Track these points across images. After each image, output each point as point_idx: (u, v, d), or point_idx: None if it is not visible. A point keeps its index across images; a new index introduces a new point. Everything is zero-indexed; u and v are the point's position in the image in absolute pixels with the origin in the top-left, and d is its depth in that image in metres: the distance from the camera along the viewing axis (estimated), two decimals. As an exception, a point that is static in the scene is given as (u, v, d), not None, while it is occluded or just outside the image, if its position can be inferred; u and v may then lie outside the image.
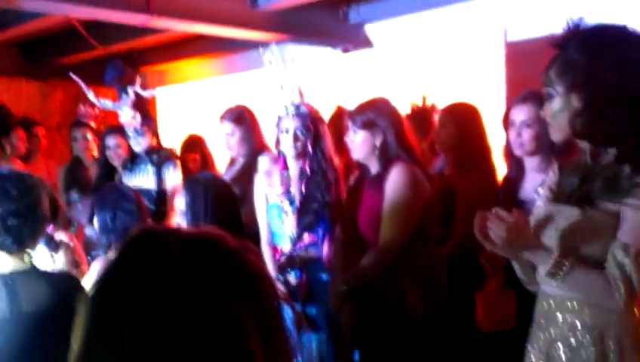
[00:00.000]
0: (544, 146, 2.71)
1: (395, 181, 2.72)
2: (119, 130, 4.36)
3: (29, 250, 2.16)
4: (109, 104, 4.10)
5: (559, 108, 1.78)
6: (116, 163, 4.37)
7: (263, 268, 0.92)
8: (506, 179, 2.96)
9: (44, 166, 5.25)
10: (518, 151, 2.80)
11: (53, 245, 2.56)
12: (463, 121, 3.24)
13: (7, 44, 5.39)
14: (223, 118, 3.82)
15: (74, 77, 3.99)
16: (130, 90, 4.00)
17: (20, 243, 2.07)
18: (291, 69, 3.17)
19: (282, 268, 3.11)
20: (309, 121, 3.10)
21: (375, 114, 2.80)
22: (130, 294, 0.84)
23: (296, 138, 3.08)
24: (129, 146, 4.32)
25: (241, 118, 3.76)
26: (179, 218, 2.62)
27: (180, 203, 2.62)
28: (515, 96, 4.06)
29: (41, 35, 5.40)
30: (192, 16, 4.35)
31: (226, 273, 0.87)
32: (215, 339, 0.83)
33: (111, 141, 4.35)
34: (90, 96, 4.03)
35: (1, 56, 5.72)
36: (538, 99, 2.69)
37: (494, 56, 4.33)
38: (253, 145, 3.73)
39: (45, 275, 2.16)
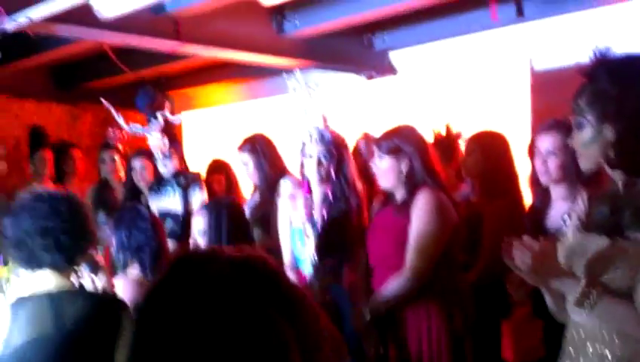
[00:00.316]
0: (570, 174, 2.70)
1: (421, 207, 2.72)
2: (145, 153, 4.43)
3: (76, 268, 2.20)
4: (139, 128, 4.18)
5: (590, 138, 1.78)
6: (142, 185, 4.43)
7: (302, 289, 0.94)
8: (533, 207, 2.95)
9: (79, 188, 5.32)
10: (544, 180, 2.79)
11: (94, 266, 2.60)
12: (491, 148, 3.25)
13: (38, 68, 5.51)
14: (239, 148, 3.89)
15: (104, 102, 4.07)
16: (159, 115, 4.08)
17: (69, 262, 2.10)
18: (315, 94, 3.21)
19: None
20: (333, 146, 3.13)
21: (401, 140, 2.81)
22: (177, 315, 0.86)
23: (319, 163, 3.11)
24: (155, 168, 4.39)
25: (254, 147, 3.81)
26: (197, 238, 2.65)
27: (198, 223, 2.65)
28: (539, 126, 4.10)
29: (71, 59, 5.52)
30: (220, 42, 4.43)
31: (268, 292, 0.89)
32: (259, 356, 0.84)
33: (137, 163, 4.42)
34: (120, 121, 4.11)
35: (33, 80, 5.84)
36: (564, 128, 2.69)
37: (519, 85, 4.33)
38: (269, 172, 3.78)
39: (91, 296, 2.20)
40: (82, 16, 3.38)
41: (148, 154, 4.44)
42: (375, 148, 2.88)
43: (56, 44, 4.55)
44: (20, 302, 2.06)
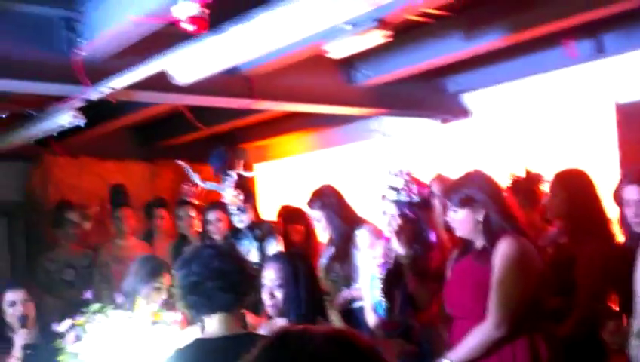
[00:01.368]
0: None
1: (504, 255, 2.63)
2: (219, 205, 4.52)
3: None
4: (214, 185, 4.27)
5: None
6: (217, 237, 4.50)
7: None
8: (629, 250, 2.79)
9: (163, 245, 5.44)
10: (638, 229, 2.66)
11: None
12: (575, 187, 3.16)
13: (118, 129, 5.73)
14: (308, 204, 3.91)
15: (181, 163, 4.18)
16: (233, 173, 4.16)
17: (240, 302, 2.25)
18: (398, 145, 3.21)
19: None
20: (407, 208, 3.12)
21: (471, 189, 2.75)
22: None
23: (389, 223, 3.13)
24: (229, 220, 4.46)
25: (324, 202, 3.83)
26: (274, 290, 2.64)
27: (269, 275, 2.66)
28: (628, 161, 3.91)
29: (149, 120, 5.72)
30: (292, 96, 4.50)
31: None
32: None
33: (211, 216, 4.51)
34: (196, 179, 4.21)
35: (114, 141, 6.09)
36: None
37: (604, 121, 4.17)
38: (342, 225, 3.77)
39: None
40: (159, 81, 3.50)
41: (222, 207, 4.52)
42: (447, 202, 2.82)
43: (136, 107, 4.74)
44: (198, 342, 2.14)
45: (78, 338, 3.14)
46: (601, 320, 2.93)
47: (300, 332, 0.94)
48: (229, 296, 2.17)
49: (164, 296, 3.26)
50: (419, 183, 3.22)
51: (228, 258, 2.23)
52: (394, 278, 3.15)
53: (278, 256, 2.84)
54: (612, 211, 3.06)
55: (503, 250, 2.63)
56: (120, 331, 3.20)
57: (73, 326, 3.14)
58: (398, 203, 3.13)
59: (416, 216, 3.14)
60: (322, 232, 3.93)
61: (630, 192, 2.70)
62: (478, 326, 2.64)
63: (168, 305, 3.24)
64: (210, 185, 4.28)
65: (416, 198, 3.17)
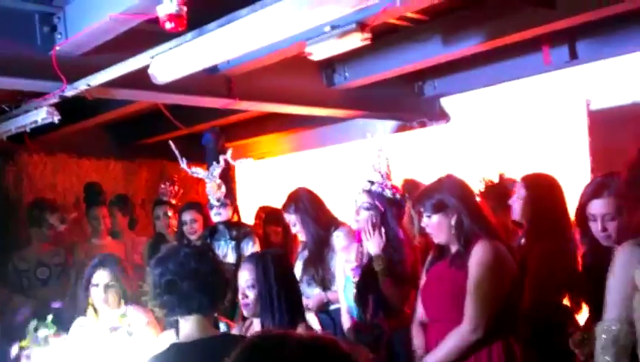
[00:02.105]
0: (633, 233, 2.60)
1: (478, 259, 2.66)
2: (195, 206, 4.51)
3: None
4: (201, 172, 4.25)
5: None
6: (193, 237, 4.48)
7: None
8: (591, 256, 2.83)
9: (132, 242, 5.43)
10: (606, 243, 2.69)
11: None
12: (539, 190, 3.17)
13: (96, 127, 5.69)
14: (283, 208, 3.93)
15: (171, 144, 4.16)
16: (221, 159, 4.15)
17: (214, 306, 2.23)
18: (379, 144, 3.23)
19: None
20: (377, 200, 3.13)
21: (442, 195, 2.78)
22: None
23: (357, 212, 3.16)
24: (204, 221, 4.45)
25: (298, 206, 3.83)
26: (247, 291, 2.65)
27: (244, 276, 2.67)
28: (599, 167, 3.98)
29: (127, 118, 5.69)
30: (271, 97, 4.50)
31: None
32: None
33: (187, 216, 4.49)
34: (183, 164, 4.19)
35: (92, 139, 6.04)
36: (616, 188, 2.60)
37: (576, 127, 4.24)
38: (316, 228, 3.78)
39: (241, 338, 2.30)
40: (138, 79, 3.48)
41: (197, 207, 4.51)
42: (420, 209, 2.85)
43: (113, 105, 4.70)
44: (174, 347, 2.12)
45: (28, 357, 3.16)
46: (554, 321, 2.97)
47: (278, 338, 0.94)
48: (205, 298, 2.15)
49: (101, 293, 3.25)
50: (394, 186, 3.25)
51: (205, 259, 2.21)
52: (367, 281, 3.16)
53: (251, 257, 2.84)
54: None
55: (477, 254, 2.66)
56: (77, 342, 3.21)
57: (21, 348, 3.16)
58: (370, 193, 3.16)
59: (384, 210, 3.16)
60: (297, 233, 3.94)
61: (596, 207, 2.66)
62: (454, 330, 2.67)
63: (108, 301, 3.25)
64: (196, 171, 4.26)
65: (389, 193, 3.20)
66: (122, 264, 3.35)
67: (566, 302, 3.11)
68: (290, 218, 3.86)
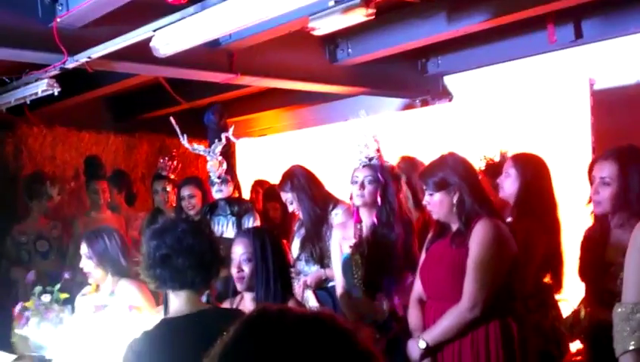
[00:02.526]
0: (628, 205, 2.60)
1: (480, 237, 2.66)
2: (194, 181, 4.49)
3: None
4: (201, 148, 4.23)
5: None
6: (191, 212, 4.48)
7: (372, 347, 0.93)
8: (589, 237, 2.84)
9: (129, 215, 5.45)
10: (596, 210, 2.70)
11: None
12: (527, 170, 3.16)
13: (96, 100, 5.66)
14: (278, 187, 3.90)
15: (172, 121, 4.13)
16: (222, 136, 4.13)
17: (207, 282, 2.23)
18: (370, 122, 3.20)
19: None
20: (379, 172, 3.13)
21: (445, 172, 2.76)
22: None
23: (362, 187, 3.12)
24: (203, 197, 4.45)
25: (294, 184, 3.79)
26: (242, 265, 2.66)
27: (238, 250, 2.67)
28: (601, 146, 3.97)
29: (128, 91, 5.65)
30: (273, 73, 4.46)
31: (341, 352, 0.89)
32: None
33: (185, 192, 4.47)
34: (184, 141, 4.17)
35: (91, 112, 6.01)
36: (621, 156, 2.60)
37: (579, 106, 4.21)
38: (312, 206, 3.76)
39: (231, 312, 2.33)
40: (139, 52, 3.45)
41: (196, 182, 4.50)
42: (422, 185, 2.84)
43: (114, 78, 4.67)
44: (165, 323, 2.11)
45: (27, 319, 3.16)
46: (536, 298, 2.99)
47: (277, 313, 0.94)
48: (199, 275, 2.14)
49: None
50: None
51: (202, 235, 2.19)
52: (372, 259, 3.15)
53: (246, 231, 2.83)
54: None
55: (478, 232, 2.66)
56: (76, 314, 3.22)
57: (25, 308, 3.16)
58: (371, 167, 3.13)
59: (385, 182, 3.14)
60: (295, 211, 3.93)
61: (597, 169, 2.66)
62: (452, 308, 2.67)
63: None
64: (197, 149, 4.24)
65: (388, 164, 3.19)
66: (116, 237, 3.33)
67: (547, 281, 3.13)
68: (287, 196, 3.84)
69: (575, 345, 2.83)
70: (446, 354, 2.72)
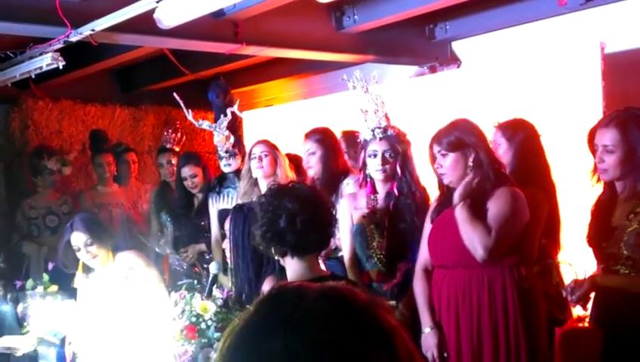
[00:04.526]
0: (634, 170, 2.58)
1: (502, 197, 2.67)
2: (192, 160, 4.49)
3: None
4: (207, 124, 4.22)
5: None
6: (195, 191, 4.50)
7: (393, 320, 0.93)
8: (599, 203, 2.82)
9: (136, 189, 5.44)
10: (603, 177, 2.69)
11: None
12: (517, 137, 3.13)
13: (102, 73, 5.61)
14: (307, 136, 3.86)
15: (176, 97, 4.11)
16: (228, 111, 4.11)
17: (322, 247, 2.30)
18: (377, 91, 3.15)
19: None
20: (397, 143, 3.09)
21: (461, 132, 2.74)
22: (272, 350, 0.86)
23: (384, 161, 3.08)
24: (204, 173, 4.45)
25: (324, 138, 3.79)
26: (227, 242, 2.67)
27: (226, 226, 2.67)
28: (612, 110, 3.92)
29: (132, 63, 5.60)
30: (280, 42, 4.41)
31: (361, 327, 0.88)
32: None
33: (186, 172, 4.49)
34: (189, 116, 4.15)
35: (96, 85, 5.96)
36: (624, 121, 2.56)
37: (590, 70, 4.15)
38: (332, 166, 3.74)
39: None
40: (143, 24, 3.41)
41: (195, 161, 4.50)
42: (435, 148, 2.80)
43: (118, 50, 4.62)
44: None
45: (25, 310, 3.23)
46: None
47: (295, 290, 0.93)
48: (319, 237, 2.18)
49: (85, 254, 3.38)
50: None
51: (319, 197, 2.23)
52: (394, 229, 3.11)
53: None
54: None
55: (502, 194, 2.68)
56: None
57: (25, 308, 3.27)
58: (388, 139, 3.10)
59: (404, 152, 3.12)
60: (310, 167, 3.88)
61: (600, 137, 2.64)
62: None
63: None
64: (203, 124, 4.22)
65: (401, 131, 3.16)
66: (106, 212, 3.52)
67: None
68: (312, 146, 3.80)
69: (577, 310, 2.84)
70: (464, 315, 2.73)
